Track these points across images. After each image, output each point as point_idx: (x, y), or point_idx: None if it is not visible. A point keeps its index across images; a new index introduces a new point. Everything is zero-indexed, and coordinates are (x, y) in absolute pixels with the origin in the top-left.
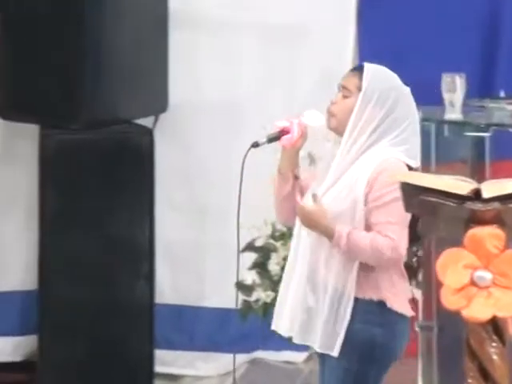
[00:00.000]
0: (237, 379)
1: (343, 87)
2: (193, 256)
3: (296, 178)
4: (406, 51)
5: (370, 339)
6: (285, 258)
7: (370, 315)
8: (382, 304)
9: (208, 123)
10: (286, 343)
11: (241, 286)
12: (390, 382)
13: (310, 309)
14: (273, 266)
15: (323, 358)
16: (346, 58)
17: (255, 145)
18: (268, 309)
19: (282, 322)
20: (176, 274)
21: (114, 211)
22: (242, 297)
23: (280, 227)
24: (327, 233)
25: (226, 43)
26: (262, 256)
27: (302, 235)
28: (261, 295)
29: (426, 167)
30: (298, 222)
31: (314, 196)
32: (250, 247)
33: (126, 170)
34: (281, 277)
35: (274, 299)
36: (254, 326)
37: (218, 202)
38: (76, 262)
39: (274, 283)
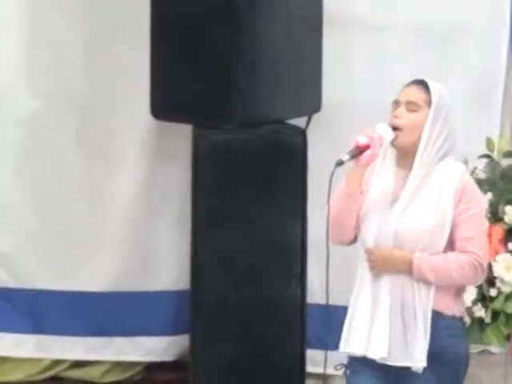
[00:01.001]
0: None
1: (410, 102)
2: (342, 255)
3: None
4: None
5: (460, 353)
6: None
7: (455, 329)
8: (461, 317)
9: (360, 124)
10: None
11: None
12: None
13: (401, 329)
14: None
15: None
16: (501, 61)
17: (340, 162)
18: None
19: (373, 346)
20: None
21: (267, 211)
22: None
23: None
24: (405, 263)
25: (379, 44)
26: None
27: None
28: None
29: None
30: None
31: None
32: None
33: (278, 170)
34: None
35: None
36: None
37: None
38: (228, 262)
39: None
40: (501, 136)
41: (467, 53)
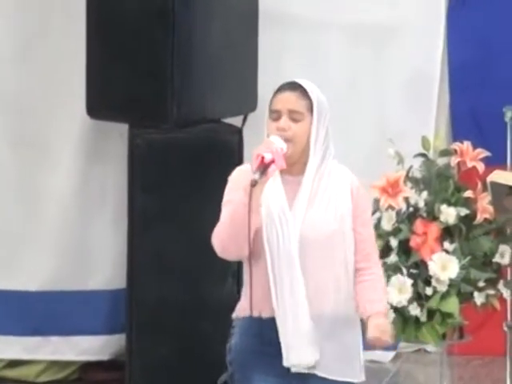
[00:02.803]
0: None
1: (292, 111)
2: None
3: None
4: (496, 50)
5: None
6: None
7: None
8: None
9: None
10: None
11: None
12: (479, 381)
13: (323, 339)
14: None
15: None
16: (436, 58)
17: (254, 183)
18: None
19: (298, 355)
20: None
21: (203, 210)
22: None
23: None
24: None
25: (315, 43)
26: None
27: (293, 266)
28: None
29: None
30: (276, 251)
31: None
32: None
33: (214, 169)
34: None
35: None
36: None
37: None
38: (164, 261)
39: None
40: (436, 135)
41: (403, 51)
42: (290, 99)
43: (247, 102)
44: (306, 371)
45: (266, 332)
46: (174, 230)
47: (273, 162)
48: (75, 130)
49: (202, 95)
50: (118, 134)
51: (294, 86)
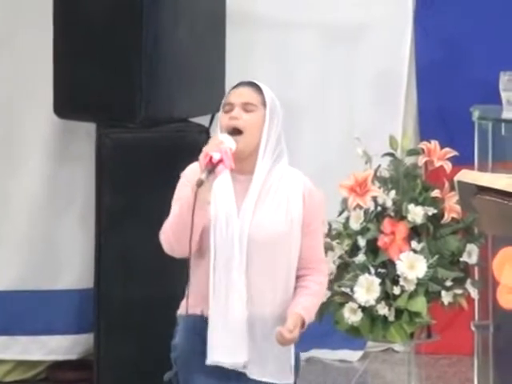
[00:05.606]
0: None
1: (246, 103)
2: None
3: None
4: (464, 50)
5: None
6: (340, 257)
7: None
8: None
9: None
10: (342, 342)
11: None
12: (447, 380)
13: (262, 340)
14: (329, 265)
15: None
16: (403, 58)
17: (200, 183)
18: (324, 307)
19: (222, 354)
20: None
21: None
22: None
23: (336, 226)
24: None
25: (283, 42)
26: None
27: (234, 266)
28: None
29: (482, 166)
30: (220, 251)
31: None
32: None
33: (182, 169)
34: (336, 276)
35: (331, 298)
36: (310, 325)
37: None
38: (132, 261)
39: (330, 282)
40: (404, 134)
41: (371, 50)
42: (243, 93)
43: (215, 102)
44: (241, 370)
45: (207, 331)
46: (141, 229)
47: (221, 161)
48: (43, 130)
49: (169, 95)
50: (85, 133)
51: (247, 83)
